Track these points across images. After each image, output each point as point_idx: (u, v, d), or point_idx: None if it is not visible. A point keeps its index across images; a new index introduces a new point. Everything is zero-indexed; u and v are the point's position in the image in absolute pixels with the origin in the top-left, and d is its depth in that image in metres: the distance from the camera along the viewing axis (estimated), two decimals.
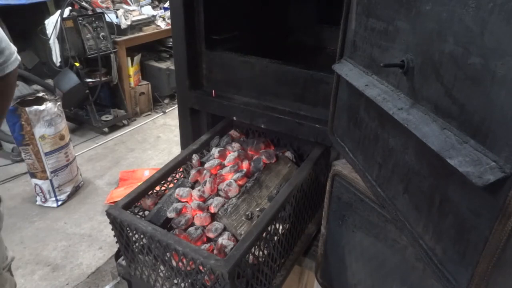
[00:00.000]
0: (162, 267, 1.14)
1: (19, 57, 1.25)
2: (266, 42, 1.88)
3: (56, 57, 3.51)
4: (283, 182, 1.36)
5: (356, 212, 1.08)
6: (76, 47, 3.33)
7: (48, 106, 2.49)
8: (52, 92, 3.47)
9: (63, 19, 3.26)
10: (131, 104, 3.99)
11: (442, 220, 0.69)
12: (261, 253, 1.12)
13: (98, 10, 3.52)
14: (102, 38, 3.40)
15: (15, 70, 1.23)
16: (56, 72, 3.50)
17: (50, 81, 3.74)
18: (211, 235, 1.16)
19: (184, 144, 1.78)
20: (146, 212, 1.30)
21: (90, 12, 3.44)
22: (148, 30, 3.90)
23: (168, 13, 3.92)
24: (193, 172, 1.39)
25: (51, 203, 2.72)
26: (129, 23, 3.69)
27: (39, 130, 2.49)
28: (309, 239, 1.43)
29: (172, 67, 4.03)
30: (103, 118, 3.72)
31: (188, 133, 1.75)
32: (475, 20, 0.57)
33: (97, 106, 3.66)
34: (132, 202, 1.23)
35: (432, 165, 0.70)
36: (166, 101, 4.37)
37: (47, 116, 2.50)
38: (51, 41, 3.44)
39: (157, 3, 4.29)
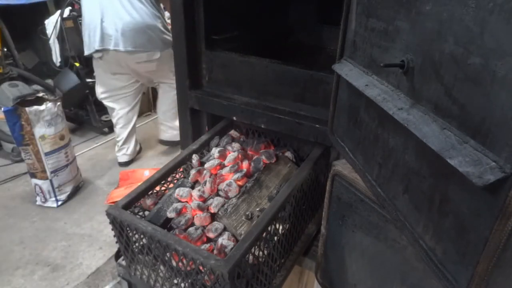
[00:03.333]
0: (162, 267, 1.14)
1: None
2: (266, 42, 1.88)
3: (56, 57, 3.51)
4: (283, 182, 1.36)
5: (356, 212, 1.08)
6: (76, 47, 3.33)
7: (48, 106, 2.50)
8: (52, 92, 3.47)
9: (63, 19, 3.26)
10: None
11: (442, 220, 0.69)
12: (261, 253, 1.12)
13: None
14: None
15: None
16: (56, 72, 3.50)
17: (50, 81, 3.74)
18: (211, 235, 1.16)
19: (184, 144, 1.78)
20: (146, 212, 1.30)
21: None
22: None
23: (168, 13, 3.91)
24: (193, 172, 1.39)
25: (51, 203, 2.72)
26: None
27: (39, 130, 2.49)
28: (309, 239, 1.42)
29: None
30: (103, 118, 3.71)
31: (188, 133, 1.75)
32: (475, 20, 0.57)
33: (97, 106, 3.65)
34: (132, 202, 1.23)
35: (432, 165, 0.70)
36: None
37: (47, 116, 2.50)
38: (51, 41, 3.45)
39: None
